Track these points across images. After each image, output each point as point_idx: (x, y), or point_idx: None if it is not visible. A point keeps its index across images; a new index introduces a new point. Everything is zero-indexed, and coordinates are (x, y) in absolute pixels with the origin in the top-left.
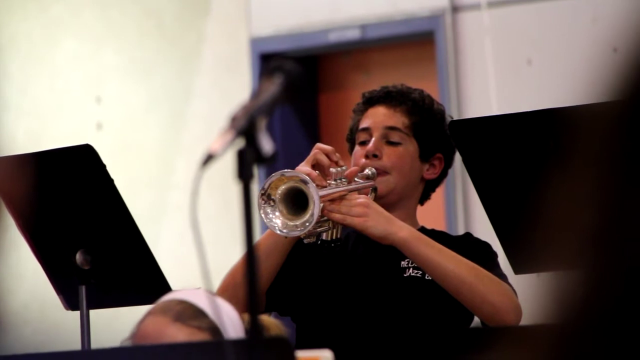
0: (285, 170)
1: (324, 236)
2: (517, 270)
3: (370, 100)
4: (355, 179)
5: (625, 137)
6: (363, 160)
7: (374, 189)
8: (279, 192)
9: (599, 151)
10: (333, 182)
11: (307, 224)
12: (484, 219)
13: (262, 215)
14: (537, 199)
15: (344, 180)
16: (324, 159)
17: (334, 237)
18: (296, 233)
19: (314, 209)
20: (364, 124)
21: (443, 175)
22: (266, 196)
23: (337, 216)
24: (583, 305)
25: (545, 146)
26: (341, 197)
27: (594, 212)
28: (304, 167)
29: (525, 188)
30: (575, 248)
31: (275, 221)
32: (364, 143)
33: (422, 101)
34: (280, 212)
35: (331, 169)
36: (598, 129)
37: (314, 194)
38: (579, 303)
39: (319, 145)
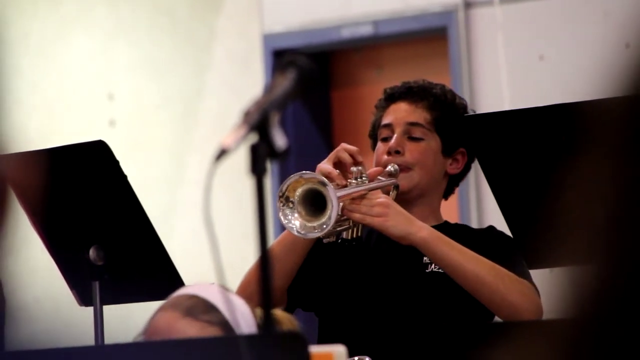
0: (304, 172)
1: (344, 235)
2: (531, 265)
3: (392, 96)
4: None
5: (638, 132)
6: (385, 156)
7: (396, 187)
8: (298, 193)
9: (611, 146)
10: (354, 181)
11: (325, 226)
12: (497, 213)
13: (282, 217)
14: (550, 193)
15: (365, 178)
16: (346, 157)
17: (354, 236)
18: (313, 235)
19: (332, 211)
20: (385, 120)
21: (467, 169)
22: (284, 198)
23: (356, 216)
24: (597, 300)
25: (558, 141)
26: (361, 196)
27: (607, 206)
28: (325, 165)
29: (538, 183)
30: (589, 242)
31: (294, 222)
32: (386, 139)
33: (443, 96)
34: (299, 213)
35: (352, 168)
36: (610, 124)
37: (332, 196)
38: (593, 297)
39: (343, 144)
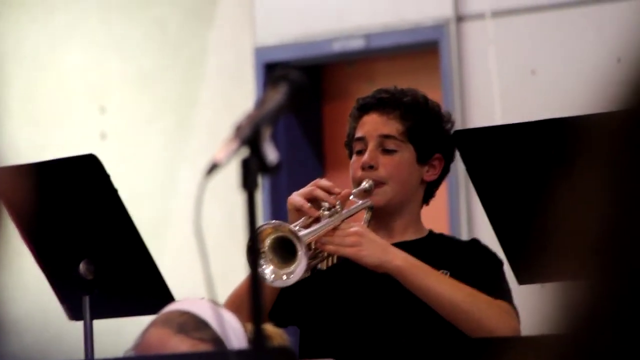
0: (270, 222)
1: (319, 266)
2: (521, 280)
3: (364, 107)
4: (352, 197)
5: (630, 147)
6: (359, 172)
7: (370, 208)
8: (268, 242)
9: (603, 161)
10: (327, 212)
11: (292, 275)
12: (487, 227)
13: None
14: (541, 209)
15: (338, 206)
16: (321, 195)
17: (329, 265)
18: (281, 284)
19: (299, 267)
20: (358, 132)
21: (445, 172)
22: None
23: (330, 248)
24: (589, 315)
25: (549, 156)
26: (335, 227)
27: (598, 221)
28: (297, 198)
29: (530, 198)
30: (580, 257)
31: (266, 271)
32: (360, 152)
33: (415, 103)
34: (271, 260)
35: (324, 203)
36: (602, 139)
37: (302, 252)
38: (585, 313)
39: (318, 181)
